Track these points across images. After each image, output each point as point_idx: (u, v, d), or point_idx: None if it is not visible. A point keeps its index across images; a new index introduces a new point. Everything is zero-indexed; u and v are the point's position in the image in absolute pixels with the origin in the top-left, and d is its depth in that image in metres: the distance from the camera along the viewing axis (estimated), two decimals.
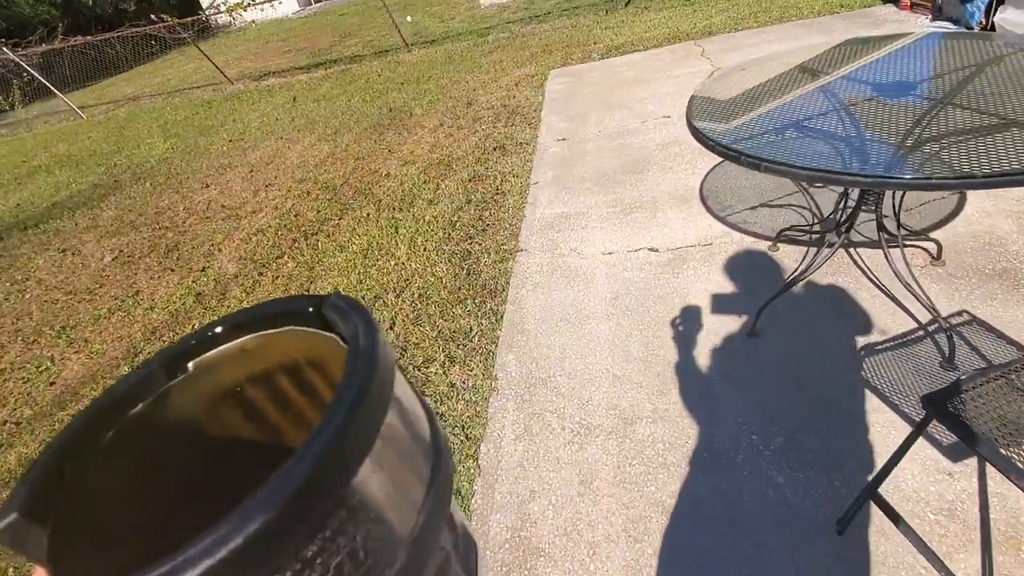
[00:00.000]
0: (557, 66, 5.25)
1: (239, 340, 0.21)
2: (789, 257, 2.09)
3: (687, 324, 1.89)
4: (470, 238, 2.75)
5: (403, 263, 2.68)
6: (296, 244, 3.16)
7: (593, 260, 2.35)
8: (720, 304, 1.94)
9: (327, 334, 0.20)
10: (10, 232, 4.49)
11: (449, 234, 2.82)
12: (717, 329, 1.84)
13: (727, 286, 2.02)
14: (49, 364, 2.63)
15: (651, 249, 2.32)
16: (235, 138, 5.61)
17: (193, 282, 3.02)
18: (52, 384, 2.49)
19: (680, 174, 2.82)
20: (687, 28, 5.41)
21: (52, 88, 9.12)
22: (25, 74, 9.88)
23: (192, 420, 0.21)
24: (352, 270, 2.76)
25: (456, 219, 2.94)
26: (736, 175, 2.67)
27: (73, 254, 3.77)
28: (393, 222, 3.09)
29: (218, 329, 0.22)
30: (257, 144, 5.21)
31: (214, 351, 0.21)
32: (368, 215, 3.28)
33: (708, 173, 2.75)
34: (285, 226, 3.41)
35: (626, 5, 7.16)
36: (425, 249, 2.74)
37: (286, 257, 3.06)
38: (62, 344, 2.76)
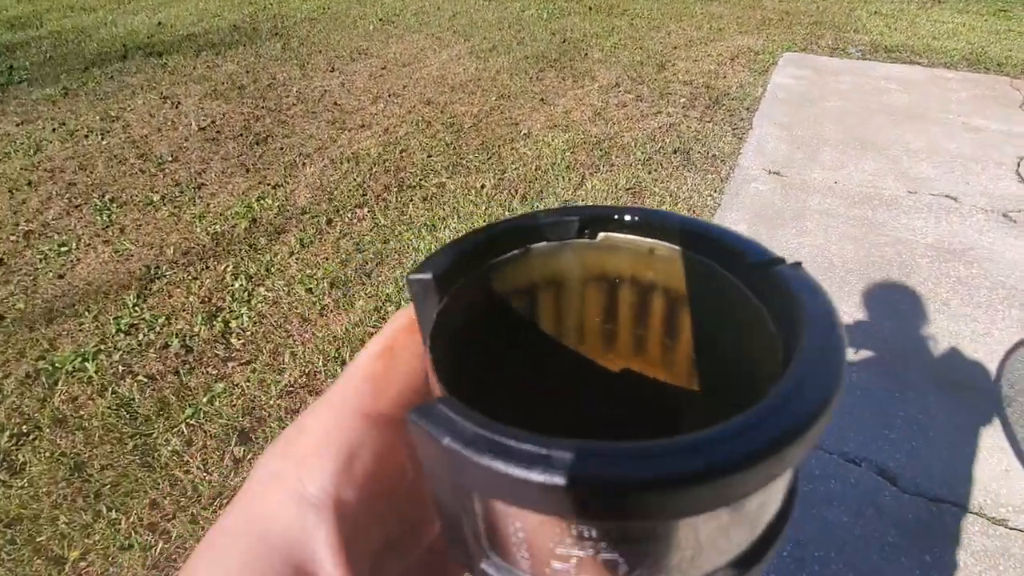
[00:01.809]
0: (795, 48, 3.91)
1: (654, 240, 0.18)
2: None
3: None
4: None
5: None
6: (385, 195, 2.47)
7: None
8: None
9: (750, 298, 0.15)
10: (136, 53, 4.19)
11: None
12: None
13: None
14: (72, 247, 2.21)
15: (880, 472, 1.36)
16: (386, 18, 4.89)
17: (258, 200, 2.45)
18: (60, 277, 2.07)
19: (963, 323, 1.74)
20: (998, 52, 3.78)
21: None
22: None
23: (557, 284, 0.19)
24: None
25: None
26: None
27: (172, 105, 3.35)
28: (507, 216, 2.29)
29: (642, 216, 0.18)
30: (404, 35, 4.46)
31: (627, 236, 0.18)
32: (482, 188, 2.49)
33: (1019, 345, 1.65)
34: (385, 161, 2.72)
35: None
36: None
37: (366, 209, 2.39)
38: (98, 224, 2.34)
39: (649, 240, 0.18)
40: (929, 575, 1.18)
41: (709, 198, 2.36)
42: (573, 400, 0.20)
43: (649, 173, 2.54)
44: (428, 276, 0.16)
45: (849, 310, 1.80)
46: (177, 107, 3.33)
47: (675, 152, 2.69)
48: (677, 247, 0.17)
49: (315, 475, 0.14)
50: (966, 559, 1.20)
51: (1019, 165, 2.48)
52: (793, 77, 3.43)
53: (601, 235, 0.18)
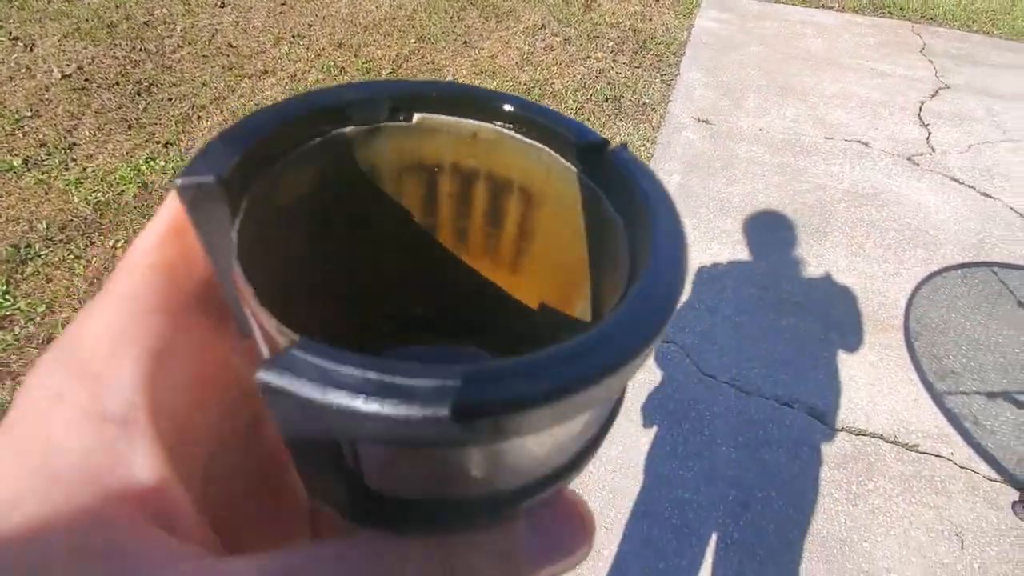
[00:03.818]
0: None
1: (477, 122, 0.16)
2: None
3: None
4: None
5: None
6: None
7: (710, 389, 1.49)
8: None
9: (586, 181, 0.15)
10: None
11: None
12: None
13: (931, 543, 1.20)
14: None
15: (810, 412, 1.45)
16: None
17: (147, 161, 2.14)
18: None
19: (876, 264, 1.85)
20: None
21: None
22: None
23: (371, 175, 0.17)
24: None
25: None
26: (977, 306, 1.71)
27: (25, 48, 2.81)
28: None
29: (461, 94, 0.16)
30: None
31: (446, 117, 0.16)
32: None
33: (924, 283, 1.79)
34: None
35: None
36: None
37: None
38: None
39: (471, 122, 0.16)
40: (855, 503, 1.28)
41: (643, 148, 2.33)
42: (395, 302, 0.19)
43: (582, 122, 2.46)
44: (210, 179, 0.12)
45: (778, 257, 1.87)
46: (32, 50, 2.80)
47: (607, 100, 2.62)
48: (502, 129, 0.16)
49: (114, 389, 0.11)
50: (884, 484, 1.32)
51: (920, 109, 2.64)
52: (716, 20, 3.42)
53: (417, 116, 0.16)
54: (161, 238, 0.13)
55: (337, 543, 0.11)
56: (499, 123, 0.16)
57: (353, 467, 0.11)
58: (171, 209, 0.14)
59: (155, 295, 0.13)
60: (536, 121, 0.16)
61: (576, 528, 0.13)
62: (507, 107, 0.16)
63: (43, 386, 0.12)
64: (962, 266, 1.85)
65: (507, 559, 0.12)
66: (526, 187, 0.17)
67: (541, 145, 0.16)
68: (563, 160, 0.15)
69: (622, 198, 0.14)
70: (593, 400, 0.10)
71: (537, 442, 0.11)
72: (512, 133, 0.16)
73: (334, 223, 0.17)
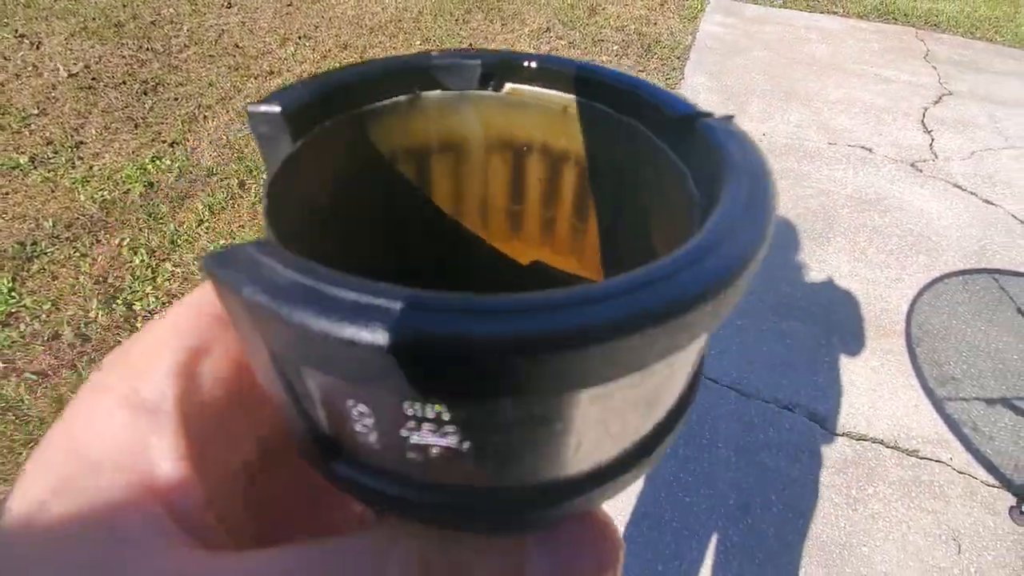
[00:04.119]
0: None
1: (566, 95, 0.15)
2: None
3: None
4: None
5: None
6: None
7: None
8: None
9: (674, 161, 0.13)
10: None
11: None
12: None
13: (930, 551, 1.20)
14: None
15: (811, 416, 1.45)
16: None
17: (153, 160, 2.15)
18: None
19: (878, 269, 1.86)
20: (905, 3, 3.97)
21: None
22: None
23: (455, 150, 0.16)
24: None
25: None
26: (977, 312, 1.71)
27: (32, 46, 2.83)
28: None
29: (559, 68, 0.15)
30: None
31: (537, 89, 0.15)
32: None
33: (925, 289, 1.79)
34: None
35: None
36: None
37: None
38: None
39: (563, 95, 0.15)
40: (855, 507, 1.28)
41: None
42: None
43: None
44: (276, 109, 0.12)
45: (780, 262, 1.87)
46: (38, 48, 2.82)
47: None
48: (597, 104, 0.15)
49: (149, 377, 0.12)
50: (884, 489, 1.32)
51: (924, 115, 2.65)
52: (721, 25, 3.43)
53: (508, 87, 0.15)
54: None
55: (326, 544, 0.10)
56: (588, 97, 0.15)
57: (300, 404, 0.10)
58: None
59: (213, 301, 0.12)
60: (626, 93, 0.14)
61: (602, 555, 0.11)
62: (596, 78, 0.15)
63: (92, 380, 0.12)
64: (963, 272, 1.86)
65: None
66: (615, 171, 0.15)
67: (632, 120, 0.14)
68: (655, 139, 0.14)
69: (707, 171, 0.12)
70: (685, 329, 0.08)
71: (599, 404, 0.09)
72: (602, 106, 0.15)
73: (400, 184, 0.16)
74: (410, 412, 0.09)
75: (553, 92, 0.15)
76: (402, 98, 0.15)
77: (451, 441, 0.09)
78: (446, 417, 0.09)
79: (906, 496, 1.30)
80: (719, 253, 0.09)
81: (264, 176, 0.13)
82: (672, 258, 0.09)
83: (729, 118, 0.13)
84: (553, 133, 0.16)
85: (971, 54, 3.31)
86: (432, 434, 0.09)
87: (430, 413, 0.09)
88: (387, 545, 0.10)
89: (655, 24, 3.41)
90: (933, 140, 2.49)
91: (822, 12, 3.74)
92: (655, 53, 3.07)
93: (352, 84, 0.14)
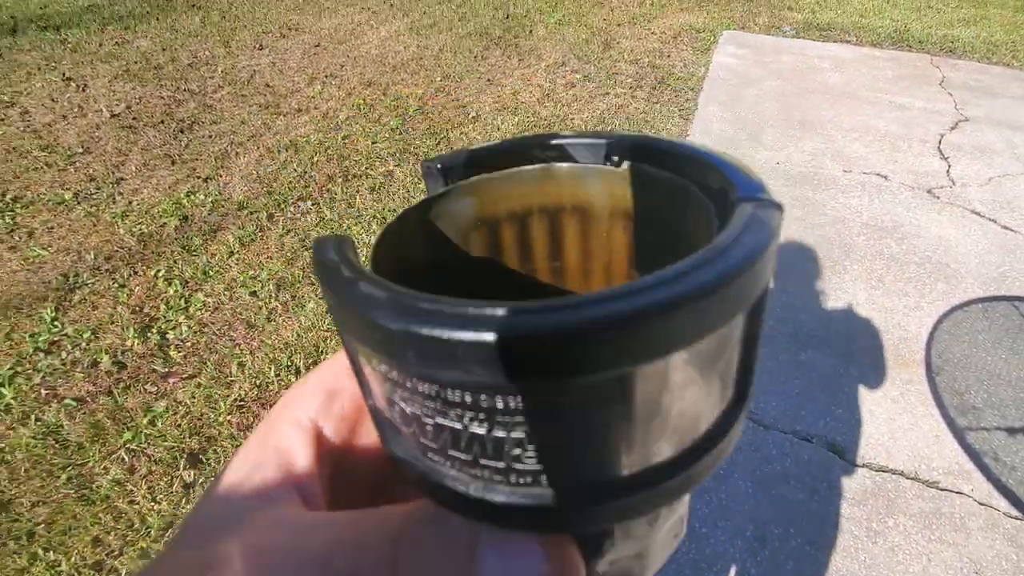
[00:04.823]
0: (734, 26, 3.98)
1: (680, 179, 0.16)
2: None
3: None
4: None
5: None
6: (330, 186, 2.35)
7: None
8: None
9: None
10: (29, 26, 3.73)
11: None
12: None
13: None
14: None
15: (830, 448, 1.44)
16: None
17: (188, 195, 2.27)
18: None
19: (897, 297, 1.85)
20: (920, 31, 4.00)
21: None
22: None
23: (580, 210, 0.18)
24: None
25: None
26: (998, 341, 1.69)
27: (77, 88, 3.02)
28: None
29: (684, 152, 0.16)
30: (337, 8, 4.20)
31: (652, 168, 0.16)
32: None
33: (945, 317, 1.78)
34: (327, 149, 2.57)
35: None
36: None
37: (310, 202, 2.26)
38: (1, 228, 2.09)
39: (680, 180, 0.16)
40: (875, 540, 1.27)
41: None
42: None
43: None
44: (437, 164, 0.16)
45: (797, 291, 1.88)
46: (84, 90, 3.01)
47: None
48: (695, 189, 0.15)
49: (304, 405, 0.17)
50: (904, 522, 1.30)
51: (940, 142, 2.65)
52: (734, 56, 3.49)
53: (627, 165, 0.17)
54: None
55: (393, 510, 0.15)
56: (691, 181, 0.16)
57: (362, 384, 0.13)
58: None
59: (340, 361, 0.18)
60: (715, 177, 0.15)
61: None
62: (699, 163, 0.15)
63: (286, 394, 0.19)
64: (983, 300, 1.84)
65: None
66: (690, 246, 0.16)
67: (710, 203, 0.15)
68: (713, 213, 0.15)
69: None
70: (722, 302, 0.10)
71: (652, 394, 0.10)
72: (699, 192, 0.16)
73: (515, 240, 0.18)
74: (500, 405, 0.10)
75: (667, 174, 0.16)
76: (537, 166, 0.17)
77: (500, 432, 0.10)
78: (501, 404, 0.10)
79: (926, 528, 1.28)
80: (747, 238, 0.11)
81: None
82: (715, 246, 0.11)
83: (771, 205, 0.13)
84: (659, 208, 0.17)
85: (988, 79, 3.31)
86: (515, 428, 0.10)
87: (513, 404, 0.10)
88: (371, 528, 0.14)
89: (668, 57, 3.49)
90: (950, 166, 2.49)
91: (835, 41, 3.79)
92: (668, 85, 3.14)
93: (499, 152, 0.17)
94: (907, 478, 1.38)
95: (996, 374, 1.60)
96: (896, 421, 1.50)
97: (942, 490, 1.36)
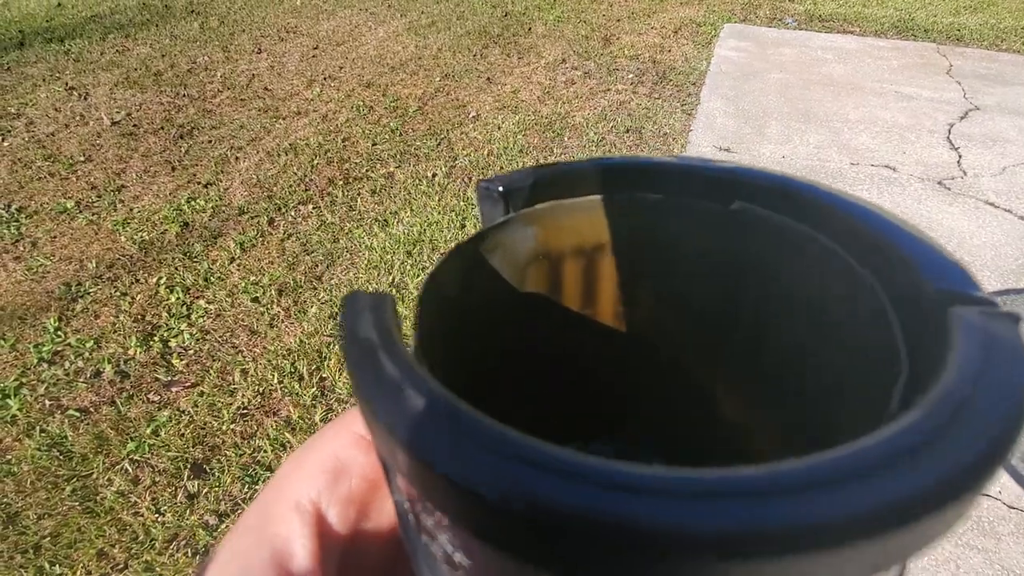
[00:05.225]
0: (735, 19, 3.94)
1: (802, 226, 0.13)
2: None
3: None
4: None
5: None
6: (330, 189, 2.33)
7: None
8: None
9: (890, 316, 0.11)
10: (35, 39, 3.74)
11: None
12: None
13: None
14: None
15: None
16: None
17: (188, 201, 2.26)
18: None
19: None
20: (925, 19, 3.94)
21: None
22: None
23: (666, 244, 0.15)
24: (386, 270, 1.94)
25: None
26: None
27: (80, 97, 3.02)
28: (463, 208, 2.20)
29: (792, 191, 0.13)
30: (335, 10, 4.19)
31: (770, 213, 0.14)
32: (433, 177, 2.38)
33: None
34: (327, 152, 2.55)
35: None
36: None
37: (311, 206, 2.24)
38: (5, 238, 2.08)
39: (794, 225, 0.13)
40: None
41: None
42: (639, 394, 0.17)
43: (604, 155, 2.50)
44: (498, 188, 0.14)
45: None
46: (86, 99, 3.01)
47: (628, 131, 2.66)
48: (832, 245, 0.13)
49: (305, 486, 0.15)
50: None
51: (949, 132, 2.60)
52: (735, 49, 3.45)
53: (736, 204, 0.14)
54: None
55: None
56: (827, 235, 0.13)
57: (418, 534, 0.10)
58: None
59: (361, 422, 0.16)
60: (875, 243, 0.12)
61: None
62: (844, 216, 0.13)
63: (283, 467, 0.17)
64: (1002, 293, 1.80)
65: None
66: (819, 317, 0.13)
67: (870, 275, 0.12)
68: (885, 302, 0.12)
69: (929, 347, 0.10)
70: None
71: None
72: (842, 252, 0.13)
73: (593, 265, 0.16)
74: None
75: (787, 219, 0.14)
76: (617, 195, 0.15)
77: None
78: None
79: (952, 533, 1.25)
80: (981, 407, 0.07)
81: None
82: (924, 411, 0.07)
83: (994, 305, 0.10)
84: (776, 262, 0.14)
85: (997, 67, 3.25)
86: None
87: None
88: None
89: (669, 52, 3.45)
90: (961, 157, 2.44)
91: (838, 32, 3.74)
92: (670, 80, 3.11)
93: (563, 177, 0.15)
94: None
95: None
96: None
97: None
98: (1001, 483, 1.33)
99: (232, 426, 1.49)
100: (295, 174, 2.41)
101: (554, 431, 0.15)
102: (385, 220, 2.16)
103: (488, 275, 0.15)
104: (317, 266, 1.99)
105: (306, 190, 2.33)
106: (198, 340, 1.72)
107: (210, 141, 2.65)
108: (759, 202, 0.14)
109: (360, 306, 0.10)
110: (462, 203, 2.24)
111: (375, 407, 0.09)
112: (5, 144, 2.64)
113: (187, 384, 1.60)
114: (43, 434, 1.47)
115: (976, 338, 0.09)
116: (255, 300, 1.84)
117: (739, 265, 0.15)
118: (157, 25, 3.94)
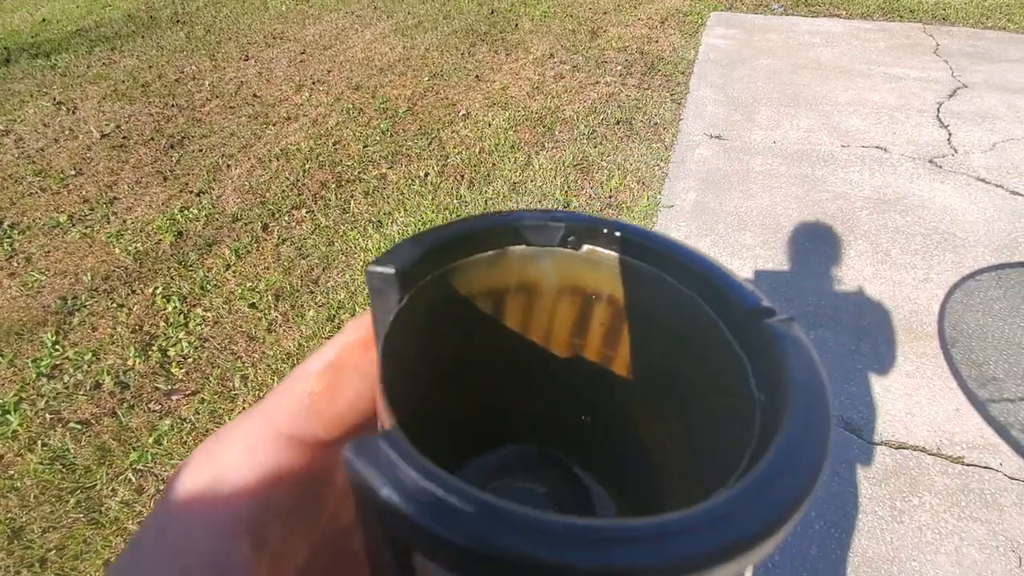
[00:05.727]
0: (721, 7, 3.94)
1: (640, 263, 0.16)
2: None
3: None
4: None
5: None
6: (323, 193, 2.32)
7: None
8: None
9: (733, 347, 0.14)
10: (21, 55, 3.72)
11: None
12: None
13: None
14: None
15: (847, 427, 1.41)
16: None
17: (181, 211, 2.25)
18: None
19: (904, 271, 1.82)
20: (911, 0, 3.94)
21: None
22: None
23: (528, 291, 0.18)
24: None
25: None
26: (1015, 308, 1.66)
27: (68, 111, 3.01)
28: (456, 206, 2.20)
29: (636, 239, 0.17)
30: (321, 15, 4.18)
31: (610, 251, 0.17)
32: (426, 177, 2.38)
33: (956, 288, 1.74)
34: (318, 156, 2.55)
35: None
36: None
37: (304, 210, 2.24)
38: (0, 255, 2.08)
39: (635, 262, 0.16)
40: (900, 520, 1.24)
41: (656, 168, 2.35)
42: (528, 403, 0.20)
43: (595, 147, 2.50)
44: (391, 270, 0.14)
45: (802, 270, 1.85)
46: (74, 113, 2.99)
47: (618, 123, 2.66)
48: (663, 275, 0.16)
49: (233, 501, 0.13)
50: (931, 500, 1.27)
51: (939, 111, 2.61)
52: (723, 37, 3.45)
53: (586, 247, 0.17)
54: (318, 372, 0.15)
55: None
56: (661, 269, 0.16)
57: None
58: (336, 344, 0.16)
59: (292, 420, 0.14)
60: (699, 276, 0.15)
61: None
62: (675, 256, 0.16)
63: (183, 484, 0.14)
64: (996, 267, 1.80)
65: None
66: (672, 337, 0.16)
67: (699, 299, 0.15)
68: (716, 319, 0.15)
69: (769, 373, 0.13)
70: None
71: None
72: (672, 280, 0.16)
73: (483, 326, 0.18)
74: None
75: (628, 258, 0.17)
76: (491, 252, 0.17)
77: None
78: None
79: (955, 506, 1.25)
80: (779, 488, 0.10)
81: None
82: (740, 490, 0.10)
83: (791, 320, 0.14)
84: (619, 290, 0.17)
85: (984, 44, 3.26)
86: None
87: None
88: None
89: (657, 42, 3.45)
90: (951, 135, 2.45)
91: (824, 16, 3.74)
92: (659, 70, 3.11)
93: (454, 242, 0.16)
94: (929, 454, 1.35)
95: (1015, 343, 1.56)
96: (913, 396, 1.47)
97: (968, 465, 1.33)
98: (1002, 455, 1.33)
99: None
100: (287, 179, 2.41)
101: (486, 432, 0.20)
102: (379, 221, 2.16)
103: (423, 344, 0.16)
104: (313, 270, 1.98)
105: (299, 195, 2.32)
106: (197, 348, 1.72)
107: (201, 150, 2.64)
108: (603, 246, 0.17)
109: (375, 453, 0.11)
110: (455, 202, 2.24)
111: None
112: None
113: (187, 392, 1.60)
114: (45, 448, 1.47)
115: (791, 345, 0.13)
116: (252, 306, 1.84)
117: (592, 295, 0.18)
118: (143, 36, 3.93)
